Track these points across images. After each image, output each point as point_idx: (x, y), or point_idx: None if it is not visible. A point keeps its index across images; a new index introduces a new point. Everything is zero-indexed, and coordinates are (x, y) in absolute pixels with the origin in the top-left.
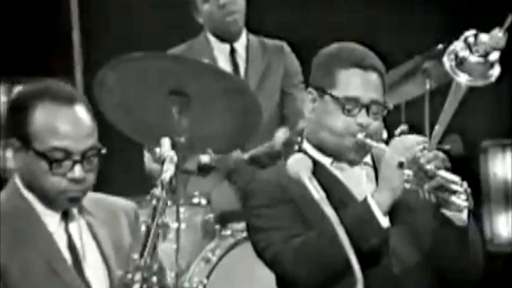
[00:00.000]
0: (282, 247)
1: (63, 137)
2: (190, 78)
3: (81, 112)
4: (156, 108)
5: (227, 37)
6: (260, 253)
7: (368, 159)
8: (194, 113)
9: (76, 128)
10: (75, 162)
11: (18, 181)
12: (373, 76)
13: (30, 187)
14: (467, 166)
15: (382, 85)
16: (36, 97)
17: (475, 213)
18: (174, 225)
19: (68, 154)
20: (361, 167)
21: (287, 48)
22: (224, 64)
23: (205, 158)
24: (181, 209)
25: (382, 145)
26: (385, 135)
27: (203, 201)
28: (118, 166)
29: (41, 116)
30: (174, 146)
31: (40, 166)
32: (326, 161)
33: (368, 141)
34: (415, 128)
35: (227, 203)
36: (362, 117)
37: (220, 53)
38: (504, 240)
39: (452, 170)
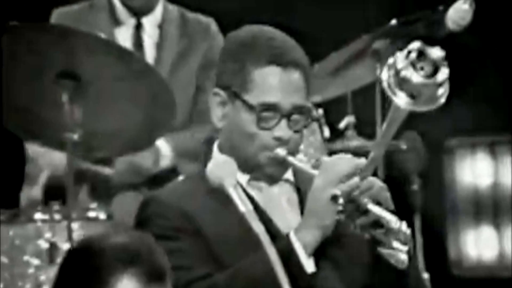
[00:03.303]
0: None
1: None
2: (83, 57)
3: None
4: (41, 95)
5: (130, 7)
6: None
7: (289, 174)
8: (90, 102)
9: None
10: None
11: None
12: (295, 75)
13: None
14: (427, 170)
15: (306, 85)
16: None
17: (438, 230)
18: (65, 246)
19: None
20: (281, 185)
21: (214, 27)
22: (124, 42)
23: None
24: (74, 226)
25: (308, 167)
26: (327, 133)
27: (102, 215)
28: None
29: None
30: (64, 144)
31: None
32: (242, 178)
33: (291, 159)
34: (364, 122)
35: (133, 218)
36: (282, 130)
37: (124, 25)
38: (474, 263)
39: (408, 177)
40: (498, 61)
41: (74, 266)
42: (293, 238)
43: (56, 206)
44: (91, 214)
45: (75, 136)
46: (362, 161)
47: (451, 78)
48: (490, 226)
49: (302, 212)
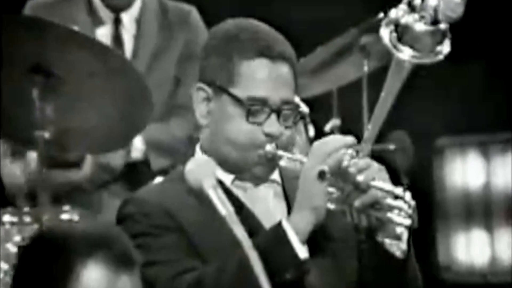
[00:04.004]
0: (170, 284)
1: None
2: (56, 51)
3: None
4: (11, 90)
5: (109, 5)
6: None
7: (275, 175)
8: (62, 98)
9: None
10: None
11: None
12: (284, 69)
13: None
14: (416, 170)
15: (294, 79)
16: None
17: (427, 233)
18: None
19: None
20: (268, 185)
21: (195, 15)
22: (103, 37)
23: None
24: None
25: (299, 156)
26: (312, 132)
27: (76, 218)
28: None
29: None
30: (33, 141)
31: None
32: (226, 178)
33: (281, 152)
34: (350, 122)
35: (110, 220)
36: (272, 125)
37: (103, 19)
38: (464, 268)
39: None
40: (490, 57)
41: (37, 253)
42: (285, 223)
43: (26, 208)
44: (65, 216)
45: (46, 134)
46: (351, 139)
47: (441, 74)
48: (482, 229)
49: (289, 214)
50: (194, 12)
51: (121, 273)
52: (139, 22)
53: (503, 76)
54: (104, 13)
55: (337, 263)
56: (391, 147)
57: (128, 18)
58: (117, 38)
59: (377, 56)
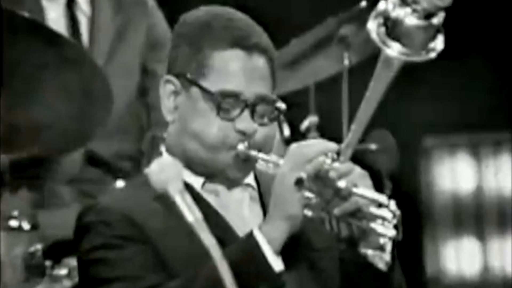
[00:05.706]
0: None
1: None
2: (4, 40)
3: None
4: None
5: None
6: None
7: (250, 179)
8: (10, 92)
9: None
10: None
11: None
12: (260, 61)
13: None
14: (401, 173)
15: (272, 74)
16: None
17: (414, 242)
18: None
19: None
20: (242, 189)
21: (151, 1)
22: (57, 22)
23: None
24: None
25: (274, 157)
26: (287, 131)
27: (26, 225)
28: None
29: None
30: None
31: None
32: (195, 181)
33: (253, 153)
34: (329, 120)
35: (62, 228)
36: (244, 121)
37: (53, 2)
38: (454, 279)
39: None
40: (483, 52)
41: None
42: (256, 233)
43: None
44: (13, 223)
45: None
46: (334, 145)
47: (428, 69)
48: (473, 237)
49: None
50: None
51: None
52: (93, 3)
53: (496, 73)
54: None
55: (317, 274)
56: (373, 147)
57: None
58: (73, 21)
59: (359, 48)
